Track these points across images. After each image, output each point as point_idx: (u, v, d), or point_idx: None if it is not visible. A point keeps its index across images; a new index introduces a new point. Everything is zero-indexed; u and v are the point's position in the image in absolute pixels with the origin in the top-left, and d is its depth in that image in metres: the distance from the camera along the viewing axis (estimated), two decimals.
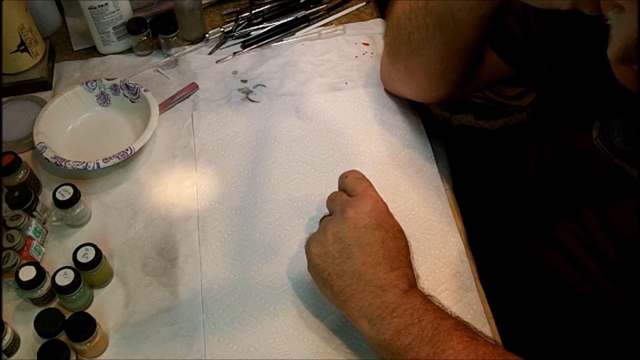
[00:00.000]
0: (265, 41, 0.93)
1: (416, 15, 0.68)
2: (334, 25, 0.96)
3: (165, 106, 0.85)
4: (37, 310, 0.63)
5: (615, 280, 0.63)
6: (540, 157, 0.74)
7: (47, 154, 0.74)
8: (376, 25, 0.96)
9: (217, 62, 0.91)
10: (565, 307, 0.71)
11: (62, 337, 0.61)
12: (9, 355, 0.62)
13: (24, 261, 0.65)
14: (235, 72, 0.90)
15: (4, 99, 0.85)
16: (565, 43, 0.66)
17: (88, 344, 0.60)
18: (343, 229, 0.56)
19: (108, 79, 0.83)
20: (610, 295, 0.64)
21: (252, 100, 0.86)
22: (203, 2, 0.96)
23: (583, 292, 0.66)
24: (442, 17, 0.65)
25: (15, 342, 0.63)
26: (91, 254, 0.64)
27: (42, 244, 0.70)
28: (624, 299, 0.62)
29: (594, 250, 0.64)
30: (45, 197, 0.75)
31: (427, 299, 0.55)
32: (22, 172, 0.72)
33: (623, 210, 0.61)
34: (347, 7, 0.98)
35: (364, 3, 0.99)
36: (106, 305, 0.67)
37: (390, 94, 0.85)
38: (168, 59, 0.91)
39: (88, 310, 0.64)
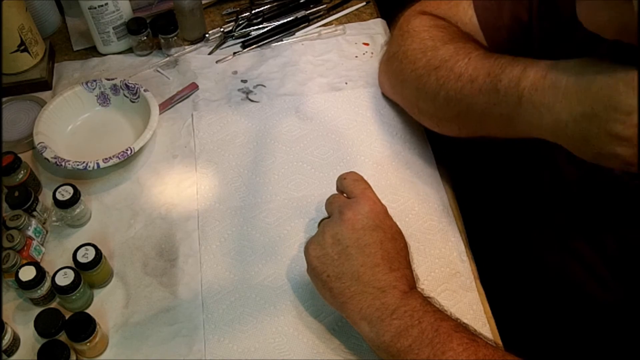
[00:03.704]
0: (265, 41, 0.93)
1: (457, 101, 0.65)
2: (334, 25, 0.96)
3: (165, 106, 0.85)
4: (37, 310, 0.63)
5: (620, 280, 0.63)
6: (545, 156, 0.73)
7: (47, 154, 0.74)
8: (376, 25, 0.96)
9: (217, 62, 0.91)
10: (568, 306, 0.71)
11: (62, 337, 0.61)
12: (9, 355, 0.62)
13: (24, 261, 0.65)
14: (235, 72, 0.90)
15: (4, 99, 0.85)
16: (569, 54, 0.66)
17: (88, 344, 0.60)
18: (341, 231, 0.56)
19: (108, 79, 0.83)
20: (615, 294, 0.63)
21: (252, 100, 0.86)
22: (203, 2, 0.96)
23: (587, 291, 0.66)
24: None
25: (15, 342, 0.63)
26: (91, 254, 0.64)
27: (42, 244, 0.70)
28: (628, 300, 0.62)
29: (600, 249, 0.64)
30: (45, 197, 0.75)
31: (426, 300, 0.55)
32: (22, 172, 0.72)
33: (624, 213, 0.60)
34: (347, 7, 0.98)
35: (364, 3, 0.99)
36: (106, 305, 0.67)
37: None
38: (168, 59, 0.91)
39: (88, 310, 0.64)
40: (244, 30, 0.94)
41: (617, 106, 0.46)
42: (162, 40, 0.91)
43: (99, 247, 0.66)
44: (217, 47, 0.93)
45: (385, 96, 0.84)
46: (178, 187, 0.77)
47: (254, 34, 0.94)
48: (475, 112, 0.62)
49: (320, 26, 0.96)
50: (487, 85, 0.59)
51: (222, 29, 0.94)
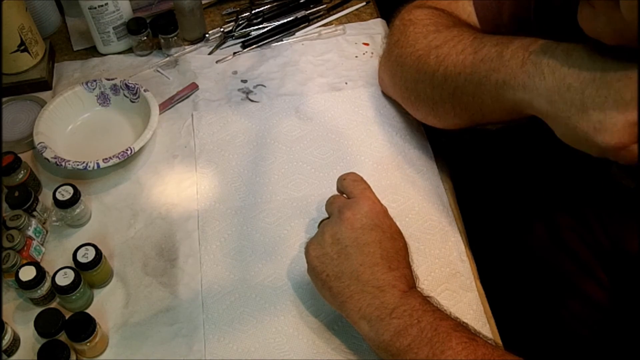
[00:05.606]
0: (265, 41, 0.93)
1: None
2: (334, 25, 0.96)
3: (165, 106, 0.85)
4: (37, 310, 0.63)
5: (617, 280, 0.63)
6: (545, 156, 0.73)
7: (47, 154, 0.74)
8: (376, 25, 0.96)
9: (217, 62, 0.91)
10: (567, 306, 0.71)
11: (62, 337, 0.61)
12: (9, 355, 0.62)
13: (24, 261, 0.65)
14: (235, 72, 0.90)
15: (4, 99, 0.85)
16: None
17: (88, 344, 0.60)
18: (340, 230, 0.57)
19: (108, 79, 0.83)
20: (612, 295, 0.64)
21: (252, 100, 0.86)
22: (203, 2, 0.96)
23: (586, 292, 0.66)
24: None
25: (15, 342, 0.63)
26: (91, 254, 0.64)
27: (42, 244, 0.70)
28: (624, 300, 0.62)
29: (597, 250, 0.64)
30: (45, 197, 0.75)
31: (426, 300, 0.55)
32: (22, 172, 0.72)
33: (619, 214, 0.61)
34: (347, 7, 0.98)
35: (364, 3, 0.99)
36: (106, 305, 0.67)
37: None
38: (168, 59, 0.91)
39: (88, 310, 0.64)
40: (244, 30, 0.94)
41: (633, 75, 0.47)
42: (162, 40, 0.91)
43: (99, 247, 0.66)
44: (217, 47, 0.93)
45: (385, 96, 0.84)
46: (178, 187, 0.77)
47: (254, 34, 0.94)
48: (471, 84, 0.62)
49: (320, 26, 0.96)
50: (491, 54, 0.59)
51: (222, 29, 0.94)
